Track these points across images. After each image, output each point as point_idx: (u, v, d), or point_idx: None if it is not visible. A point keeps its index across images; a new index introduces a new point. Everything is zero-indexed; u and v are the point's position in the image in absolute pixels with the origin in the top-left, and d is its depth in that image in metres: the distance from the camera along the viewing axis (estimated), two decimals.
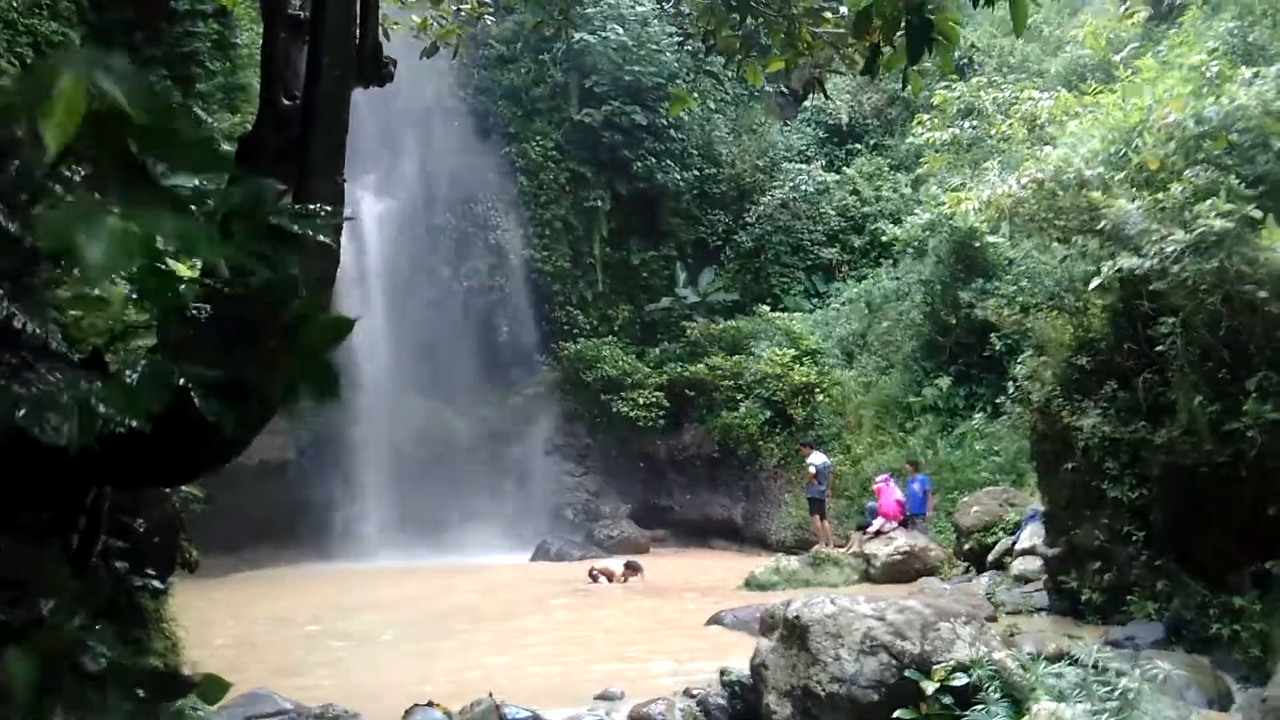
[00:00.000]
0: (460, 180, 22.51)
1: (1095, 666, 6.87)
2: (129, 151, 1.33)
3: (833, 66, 6.03)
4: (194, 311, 2.14)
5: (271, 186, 1.70)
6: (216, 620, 12.12)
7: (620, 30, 22.69)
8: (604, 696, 8.15)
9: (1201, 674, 7.82)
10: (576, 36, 21.71)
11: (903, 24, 3.38)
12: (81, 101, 1.27)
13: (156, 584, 3.98)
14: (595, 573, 15.74)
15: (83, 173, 1.45)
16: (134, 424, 1.75)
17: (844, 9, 5.10)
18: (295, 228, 1.69)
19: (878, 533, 15.31)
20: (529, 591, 15.68)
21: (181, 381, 1.81)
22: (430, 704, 7.51)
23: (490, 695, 7.66)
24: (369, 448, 20.37)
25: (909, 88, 5.39)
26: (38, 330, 2.05)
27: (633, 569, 15.68)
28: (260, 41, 3.97)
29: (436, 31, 7.47)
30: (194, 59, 15.56)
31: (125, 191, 1.28)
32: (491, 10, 8.14)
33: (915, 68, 5.26)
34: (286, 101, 3.85)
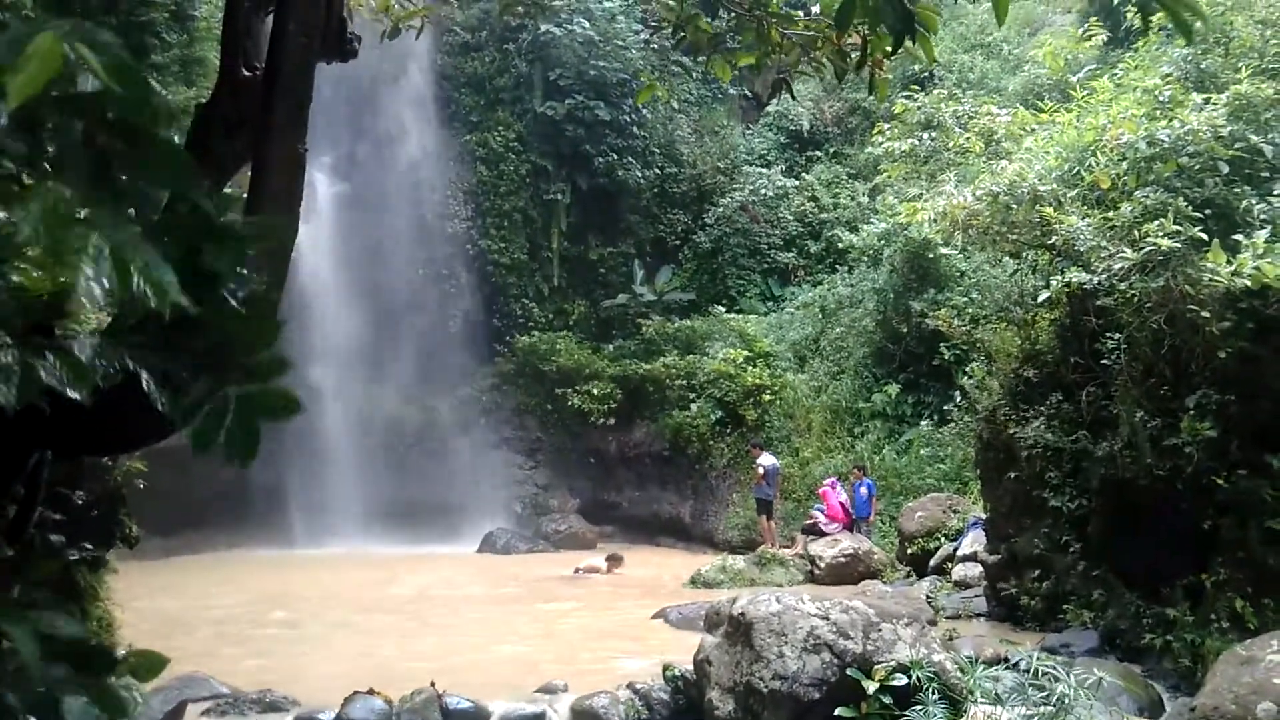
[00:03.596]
0: (418, 167, 22.27)
1: (1031, 671, 7.00)
2: (97, 151, 1.29)
3: (800, 69, 6.06)
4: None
5: (226, 197, 1.65)
6: (154, 601, 11.88)
7: (587, 24, 22.61)
8: (546, 689, 8.13)
9: (1133, 682, 8.01)
10: (543, 28, 21.61)
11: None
12: (56, 62, 1.22)
13: (97, 556, 3.88)
14: (581, 571, 15.95)
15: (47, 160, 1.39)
16: (77, 396, 1.70)
17: (815, 9, 5.12)
18: (244, 234, 1.63)
19: (820, 531, 15.48)
20: (474, 583, 15.59)
21: (131, 367, 1.76)
22: (370, 692, 7.43)
23: (432, 684, 7.60)
24: (316, 434, 20.05)
25: (874, 94, 5.43)
26: None
27: (615, 560, 16.26)
28: (219, 14, 3.91)
29: (398, 13, 7.34)
30: (150, 29, 15.18)
31: (93, 196, 1.24)
32: None
33: (884, 74, 5.31)
34: (246, 72, 3.78)
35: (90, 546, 3.73)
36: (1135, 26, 13.13)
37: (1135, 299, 8.83)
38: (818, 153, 25.15)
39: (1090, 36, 13.66)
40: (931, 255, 18.47)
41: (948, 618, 11.10)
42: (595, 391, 21.18)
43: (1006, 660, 7.95)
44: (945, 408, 17.21)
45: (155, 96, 1.31)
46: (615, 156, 22.98)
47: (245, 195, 3.00)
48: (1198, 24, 3.57)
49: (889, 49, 4.04)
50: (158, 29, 15.33)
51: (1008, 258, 12.67)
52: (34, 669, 1.48)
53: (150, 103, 1.31)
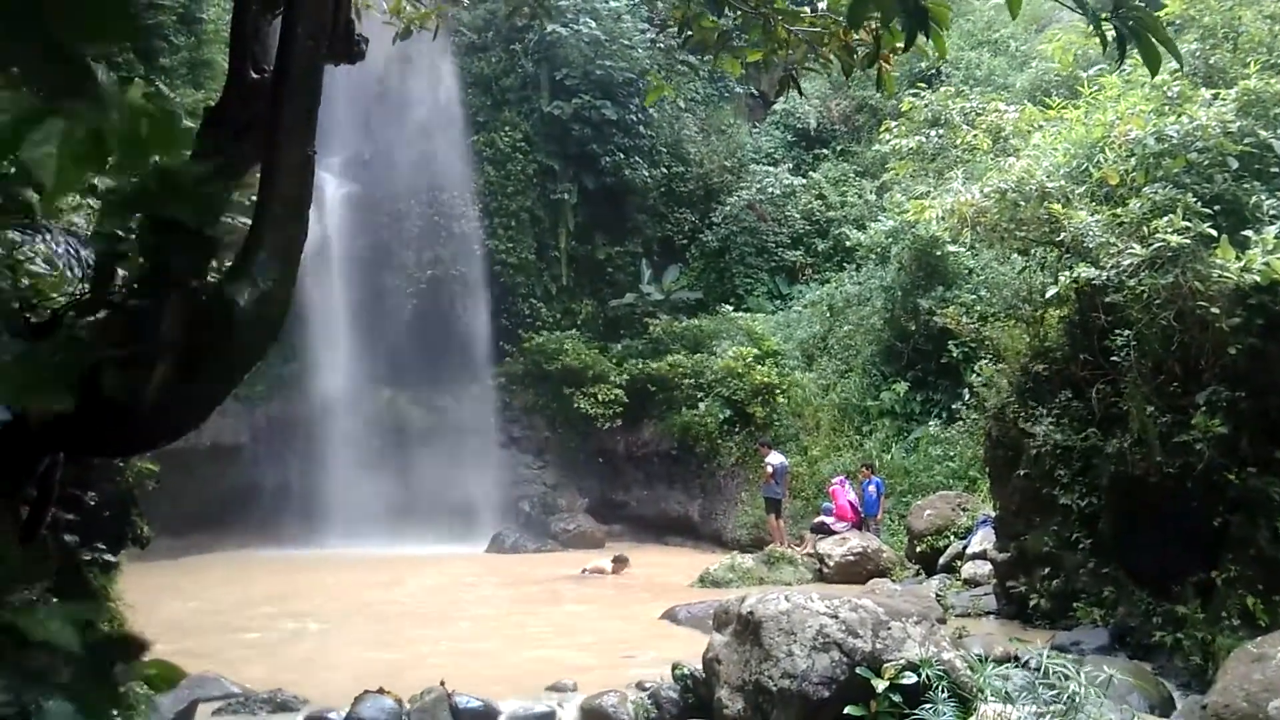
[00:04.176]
0: (426, 167, 22.30)
1: (1042, 670, 6.98)
2: (49, 35, 1.23)
3: (807, 65, 6.06)
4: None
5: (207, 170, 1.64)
6: (164, 602, 11.93)
7: (593, 24, 22.61)
8: (556, 688, 8.14)
9: (1144, 680, 7.99)
10: (549, 28, 21.61)
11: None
12: None
13: (108, 557, 3.89)
14: (588, 571, 15.97)
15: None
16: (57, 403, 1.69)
17: (822, 5, 5.12)
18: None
19: (830, 530, 15.47)
20: (482, 583, 15.62)
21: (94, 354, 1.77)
22: (380, 691, 7.45)
23: (441, 684, 7.62)
24: (324, 434, 20.14)
25: (882, 90, 5.43)
26: None
27: (621, 562, 16.18)
28: (226, 17, 3.92)
29: (410, 15, 7.37)
30: (158, 33, 15.24)
31: (55, 81, 1.18)
32: None
33: (890, 69, 5.31)
34: (254, 75, 3.79)
35: (102, 547, 3.75)
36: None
37: (1144, 295, 8.80)
38: (825, 151, 25.11)
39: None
40: (939, 253, 18.42)
41: (957, 616, 11.07)
42: (601, 396, 21.18)
43: (1016, 658, 7.92)
44: (954, 405, 17.15)
45: None
46: (622, 156, 22.98)
47: (254, 198, 3.01)
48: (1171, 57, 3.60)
49: (901, 45, 4.04)
50: (165, 32, 15.39)
51: (1016, 255, 12.64)
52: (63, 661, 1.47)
53: None
